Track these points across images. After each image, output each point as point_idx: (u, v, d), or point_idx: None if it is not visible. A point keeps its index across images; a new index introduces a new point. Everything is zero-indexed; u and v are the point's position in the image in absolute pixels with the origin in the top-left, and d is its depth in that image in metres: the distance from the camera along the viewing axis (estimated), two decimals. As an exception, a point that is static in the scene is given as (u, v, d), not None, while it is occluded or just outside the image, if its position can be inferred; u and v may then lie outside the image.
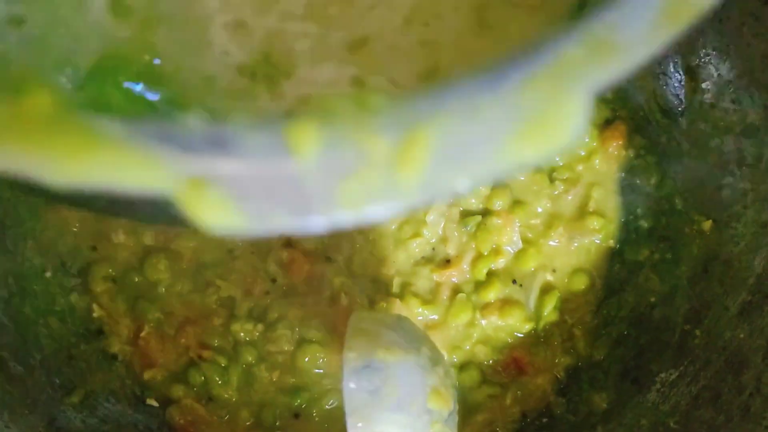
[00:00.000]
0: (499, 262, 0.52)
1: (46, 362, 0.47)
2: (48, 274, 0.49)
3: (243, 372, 0.50)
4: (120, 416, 0.49)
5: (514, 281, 0.52)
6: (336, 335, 0.50)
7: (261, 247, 0.51)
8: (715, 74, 0.48)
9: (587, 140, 0.53)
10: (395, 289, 0.51)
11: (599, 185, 0.53)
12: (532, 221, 0.53)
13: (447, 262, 0.52)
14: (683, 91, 0.50)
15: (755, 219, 0.46)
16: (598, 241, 0.53)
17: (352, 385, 0.39)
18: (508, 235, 0.52)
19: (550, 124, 0.17)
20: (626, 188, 0.53)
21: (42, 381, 0.46)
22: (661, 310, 0.50)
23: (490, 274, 0.52)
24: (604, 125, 0.54)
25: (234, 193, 0.16)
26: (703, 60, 0.49)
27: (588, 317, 0.53)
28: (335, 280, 0.51)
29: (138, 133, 0.16)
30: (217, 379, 0.49)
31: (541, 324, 0.52)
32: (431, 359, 0.41)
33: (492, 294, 0.51)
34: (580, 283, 0.53)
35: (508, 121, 0.17)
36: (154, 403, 0.50)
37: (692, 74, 0.50)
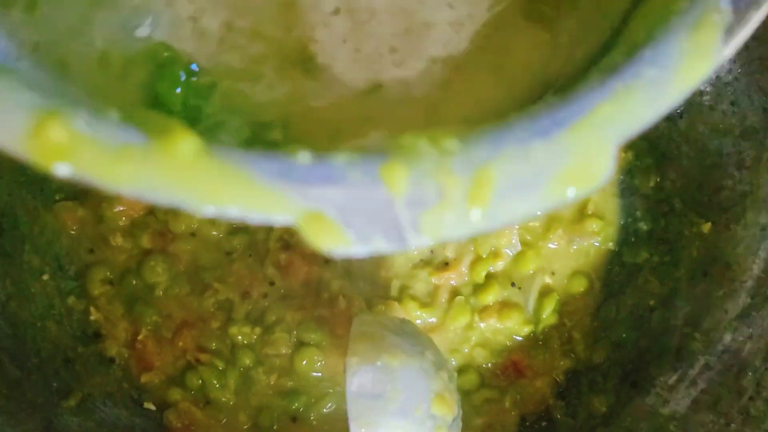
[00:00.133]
0: (498, 265, 0.52)
1: (43, 365, 0.47)
2: (45, 277, 0.49)
3: (240, 375, 0.50)
4: (117, 420, 0.48)
5: (512, 284, 0.52)
6: (334, 338, 0.50)
7: (259, 250, 0.51)
8: (714, 76, 0.48)
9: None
10: (394, 291, 0.51)
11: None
12: (531, 224, 0.52)
13: (445, 265, 0.52)
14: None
15: (754, 221, 0.46)
16: (597, 244, 0.53)
17: (355, 390, 0.38)
18: (506, 238, 0.52)
19: (588, 168, 0.21)
20: (625, 190, 0.53)
21: (39, 384, 0.46)
22: (660, 313, 0.50)
23: (489, 277, 0.52)
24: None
25: (341, 220, 0.20)
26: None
27: (587, 320, 0.53)
28: (333, 283, 0.51)
29: (264, 169, 0.19)
30: (215, 382, 0.49)
31: (540, 327, 0.52)
32: (435, 364, 0.41)
33: (491, 297, 0.51)
34: (579, 286, 0.52)
35: (555, 164, 0.20)
36: (152, 407, 0.50)
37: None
